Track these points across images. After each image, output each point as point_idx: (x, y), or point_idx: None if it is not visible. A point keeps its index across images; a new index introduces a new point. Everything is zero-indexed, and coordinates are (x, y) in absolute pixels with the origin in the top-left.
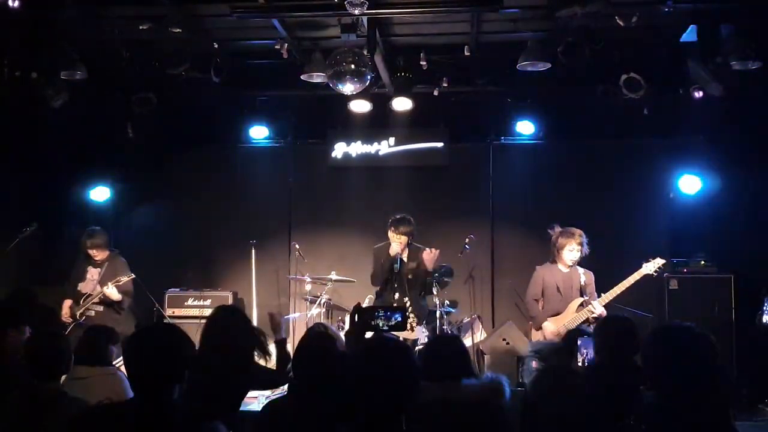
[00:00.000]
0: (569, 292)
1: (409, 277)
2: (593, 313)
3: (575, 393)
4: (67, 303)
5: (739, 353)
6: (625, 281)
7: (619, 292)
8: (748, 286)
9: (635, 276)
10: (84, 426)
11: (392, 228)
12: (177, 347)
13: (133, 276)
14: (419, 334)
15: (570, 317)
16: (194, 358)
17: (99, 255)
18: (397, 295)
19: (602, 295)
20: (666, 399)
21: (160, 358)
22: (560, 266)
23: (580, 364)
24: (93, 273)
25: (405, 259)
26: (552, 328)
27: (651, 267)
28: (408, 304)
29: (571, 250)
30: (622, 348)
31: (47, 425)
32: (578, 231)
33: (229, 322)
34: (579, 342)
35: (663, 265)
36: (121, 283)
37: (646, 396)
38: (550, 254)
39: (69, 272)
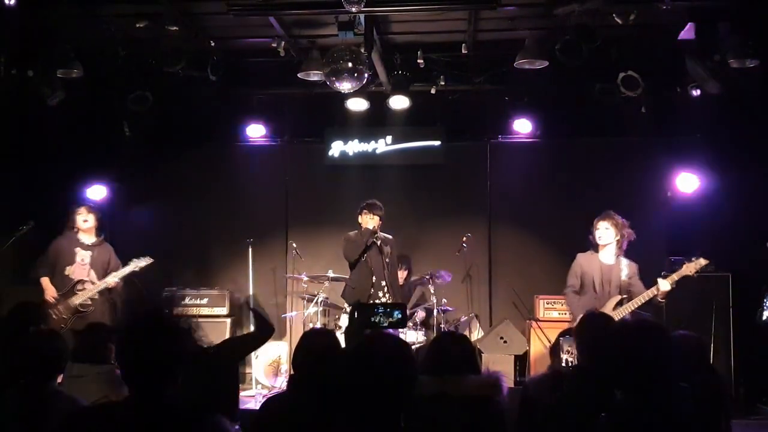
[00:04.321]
0: (607, 288)
1: (387, 260)
2: (657, 292)
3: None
4: (46, 280)
5: (736, 352)
6: (662, 282)
7: (655, 293)
8: (746, 284)
9: (674, 277)
10: (78, 425)
11: (366, 210)
12: (174, 340)
13: (151, 260)
14: None
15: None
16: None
17: (89, 231)
18: (374, 278)
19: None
20: (631, 397)
21: (153, 352)
22: (601, 256)
23: (563, 364)
24: (84, 255)
25: (378, 243)
26: None
27: (692, 268)
28: (385, 286)
29: (598, 228)
30: (601, 346)
31: (43, 425)
32: (610, 212)
33: None
34: (564, 342)
35: (706, 265)
36: (139, 269)
37: (616, 394)
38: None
39: (45, 247)
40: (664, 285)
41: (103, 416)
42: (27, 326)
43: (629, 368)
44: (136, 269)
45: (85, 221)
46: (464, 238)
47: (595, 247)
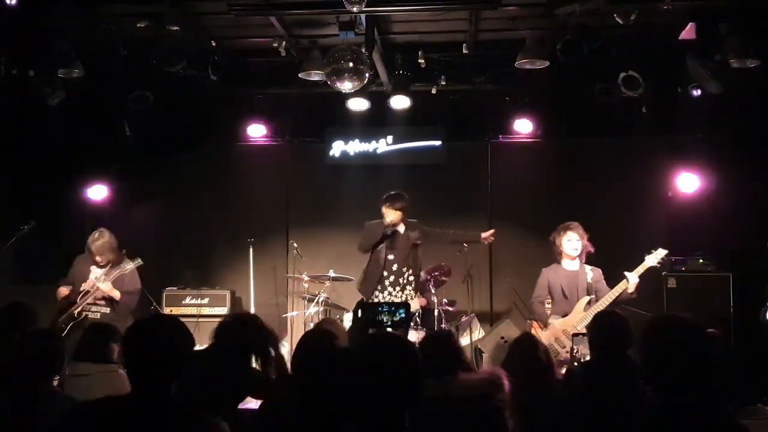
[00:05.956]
0: (574, 294)
1: (416, 243)
2: (627, 286)
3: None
4: (63, 290)
5: (737, 352)
6: (630, 275)
7: (625, 287)
8: (747, 284)
9: (639, 270)
10: (79, 420)
11: (387, 203)
12: (177, 340)
13: (140, 262)
14: (417, 306)
15: (579, 316)
16: (197, 354)
17: (104, 261)
18: (395, 267)
19: (609, 291)
20: (666, 394)
21: (159, 351)
22: (565, 265)
23: (576, 363)
24: (97, 273)
25: (402, 231)
26: (560, 326)
27: (654, 259)
28: (409, 273)
29: (569, 240)
30: (616, 343)
31: (35, 426)
32: (574, 223)
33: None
34: (574, 341)
35: (666, 255)
36: (126, 272)
37: (647, 392)
38: (554, 256)
39: (69, 265)
40: (633, 278)
41: (104, 411)
42: (14, 327)
43: (670, 366)
44: (124, 272)
45: (101, 261)
46: None
47: (559, 257)
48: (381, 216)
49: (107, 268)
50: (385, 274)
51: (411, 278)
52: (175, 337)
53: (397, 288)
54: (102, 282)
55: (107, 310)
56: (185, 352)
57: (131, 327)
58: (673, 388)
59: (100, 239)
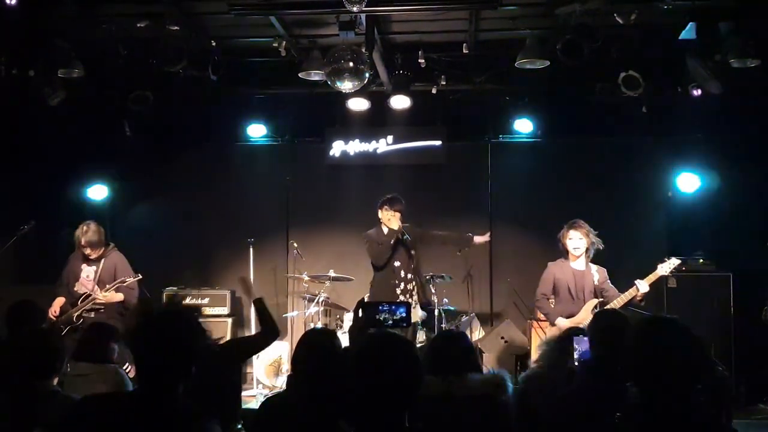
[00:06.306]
0: (581, 295)
1: (413, 252)
2: (637, 293)
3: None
4: (60, 300)
5: (737, 352)
6: (640, 284)
7: (634, 294)
8: (747, 284)
9: (650, 278)
10: (79, 419)
11: (386, 206)
12: (190, 337)
13: (140, 276)
14: (417, 317)
15: (588, 318)
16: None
17: (94, 253)
18: (402, 273)
19: (615, 292)
20: (648, 395)
21: (170, 350)
22: (572, 263)
23: (576, 363)
24: (88, 272)
25: (403, 239)
26: (567, 326)
27: (666, 268)
28: (412, 279)
29: (571, 239)
30: (616, 342)
31: (39, 424)
32: (579, 221)
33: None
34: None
35: (678, 265)
36: (126, 284)
37: (631, 393)
38: (561, 253)
39: (61, 269)
40: (643, 286)
41: (107, 407)
42: (20, 325)
43: (655, 368)
44: (122, 285)
45: (90, 254)
46: None
47: (566, 254)
48: (378, 220)
49: (99, 265)
50: (396, 282)
51: (413, 286)
52: (189, 333)
53: (407, 296)
54: (100, 294)
55: (102, 309)
56: (197, 352)
57: (146, 321)
58: (658, 389)
59: (89, 231)
